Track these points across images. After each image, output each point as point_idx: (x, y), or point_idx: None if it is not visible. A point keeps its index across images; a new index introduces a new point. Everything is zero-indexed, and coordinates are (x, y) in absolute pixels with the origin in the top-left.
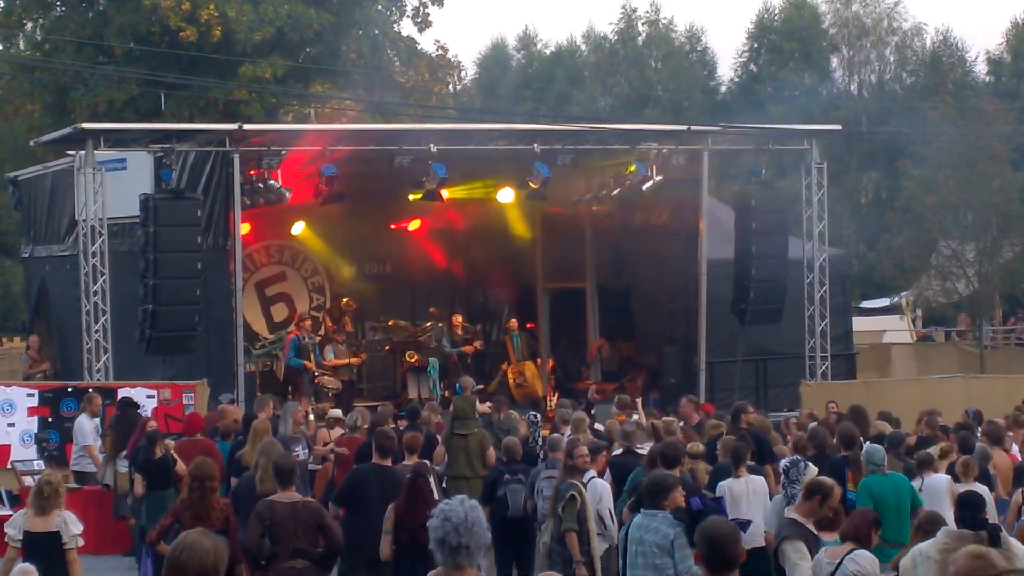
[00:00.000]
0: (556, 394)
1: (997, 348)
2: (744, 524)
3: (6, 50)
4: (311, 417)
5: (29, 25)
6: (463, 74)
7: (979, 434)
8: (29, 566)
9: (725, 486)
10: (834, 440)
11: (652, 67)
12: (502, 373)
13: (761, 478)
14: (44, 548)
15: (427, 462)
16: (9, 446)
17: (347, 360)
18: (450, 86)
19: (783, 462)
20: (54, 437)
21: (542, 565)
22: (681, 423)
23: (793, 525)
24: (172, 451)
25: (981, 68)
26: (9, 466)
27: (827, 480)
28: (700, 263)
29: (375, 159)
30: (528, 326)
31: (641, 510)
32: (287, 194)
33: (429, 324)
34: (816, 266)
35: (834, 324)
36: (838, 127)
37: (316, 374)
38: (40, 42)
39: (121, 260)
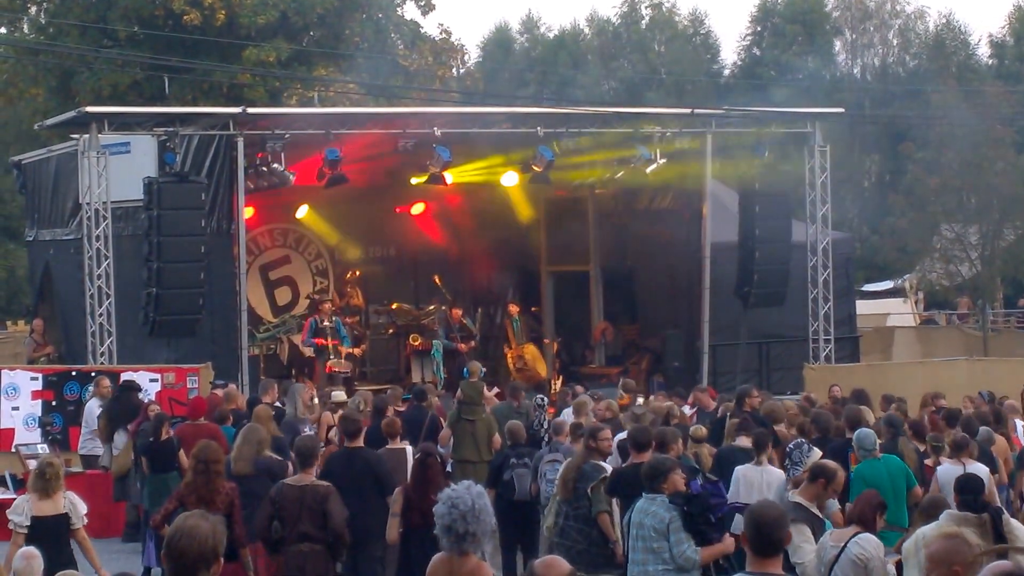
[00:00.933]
0: (560, 377)
1: (999, 331)
2: (742, 510)
3: (10, 34)
4: (315, 400)
5: (33, 9)
6: (467, 58)
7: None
8: (33, 550)
9: (740, 472)
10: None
11: (655, 50)
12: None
13: (779, 472)
14: (52, 531)
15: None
16: (13, 429)
17: (350, 350)
18: (454, 70)
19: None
20: (58, 421)
21: (546, 548)
22: (694, 409)
23: (797, 508)
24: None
25: (984, 51)
26: (13, 450)
27: (831, 463)
28: (704, 246)
29: (379, 143)
30: (532, 309)
31: (643, 494)
32: (291, 177)
33: (432, 307)
34: (819, 249)
35: (837, 307)
36: (841, 110)
37: (331, 358)
38: (44, 25)
39: (125, 244)
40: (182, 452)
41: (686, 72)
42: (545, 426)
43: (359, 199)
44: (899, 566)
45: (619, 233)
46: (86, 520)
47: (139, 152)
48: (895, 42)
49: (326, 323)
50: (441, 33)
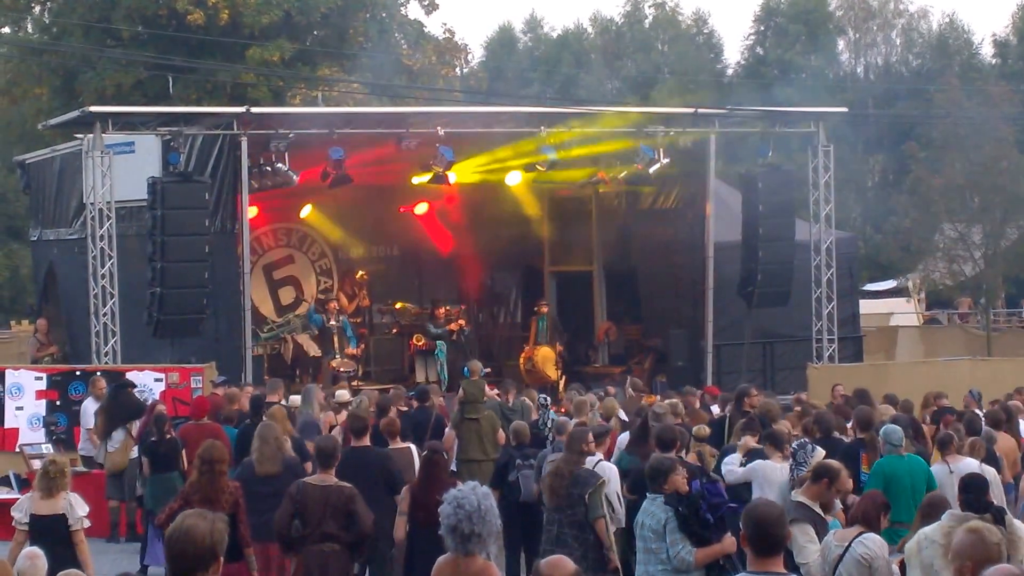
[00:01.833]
0: (564, 377)
1: (1001, 331)
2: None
3: (14, 33)
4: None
5: (37, 8)
6: (470, 57)
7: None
8: (36, 550)
9: (759, 467)
10: (848, 423)
11: (659, 50)
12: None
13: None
14: (50, 531)
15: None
16: (17, 429)
17: (356, 351)
18: (457, 69)
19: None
20: (62, 420)
21: (550, 548)
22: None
23: (801, 508)
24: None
25: (987, 50)
26: (17, 449)
27: (834, 463)
28: (707, 246)
29: (383, 142)
30: (535, 309)
31: (647, 494)
32: (295, 177)
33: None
34: (823, 249)
35: (841, 307)
36: (844, 109)
37: (336, 356)
38: (48, 25)
39: (129, 243)
40: (183, 452)
41: (689, 72)
42: (549, 425)
43: (363, 199)
44: (903, 566)
45: (622, 233)
46: (87, 523)
47: (143, 152)
48: (898, 41)
49: (333, 322)
50: (445, 32)
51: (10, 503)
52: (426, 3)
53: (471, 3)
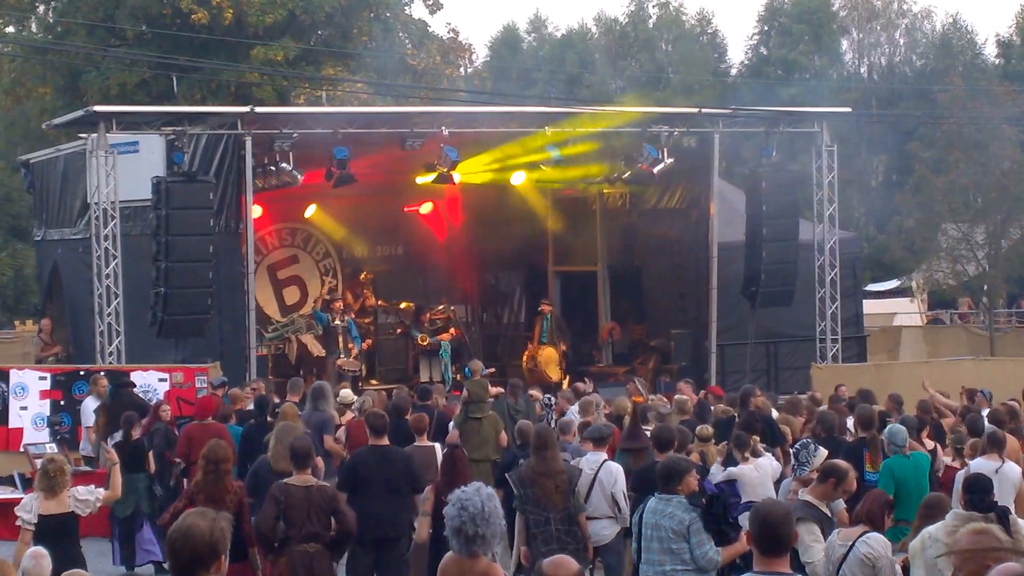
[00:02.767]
0: (567, 377)
1: (1004, 331)
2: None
3: (18, 33)
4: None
5: (41, 8)
6: (474, 57)
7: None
8: (41, 549)
9: (736, 472)
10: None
11: (663, 50)
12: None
13: (769, 459)
14: (59, 530)
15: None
16: (21, 429)
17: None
18: (461, 69)
19: (794, 445)
20: (66, 420)
21: (552, 548)
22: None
23: (807, 507)
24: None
25: (991, 51)
26: (22, 449)
27: (842, 463)
28: (711, 246)
29: (387, 142)
30: (539, 309)
31: (655, 494)
32: (299, 177)
33: (441, 307)
34: (827, 249)
35: (844, 307)
36: (848, 109)
37: (340, 355)
38: (52, 25)
39: (133, 243)
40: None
41: (693, 72)
42: (553, 425)
43: (367, 198)
44: (906, 565)
45: (626, 233)
46: (102, 492)
47: (147, 151)
48: (902, 42)
49: (338, 322)
50: (449, 32)
51: (15, 503)
52: (430, 3)
53: (475, 3)
